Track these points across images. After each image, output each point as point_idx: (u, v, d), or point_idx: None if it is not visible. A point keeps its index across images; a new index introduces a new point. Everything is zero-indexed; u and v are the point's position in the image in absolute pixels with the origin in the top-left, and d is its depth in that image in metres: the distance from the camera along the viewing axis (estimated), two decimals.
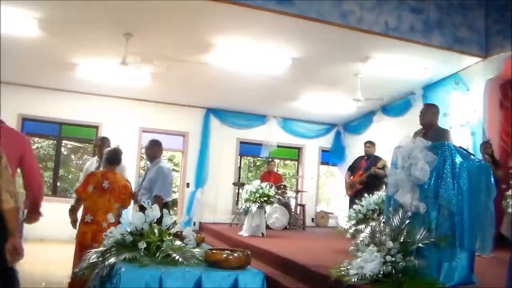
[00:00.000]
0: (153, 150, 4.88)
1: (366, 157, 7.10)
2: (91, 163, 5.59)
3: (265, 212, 7.04)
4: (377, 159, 6.92)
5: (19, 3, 5.22)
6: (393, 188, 3.41)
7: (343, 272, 3.13)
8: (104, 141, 5.53)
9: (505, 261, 4.34)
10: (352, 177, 7.05)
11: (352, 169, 7.23)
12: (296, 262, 4.16)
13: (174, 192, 13.46)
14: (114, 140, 5.99)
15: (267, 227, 7.44)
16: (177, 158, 12.92)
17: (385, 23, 5.97)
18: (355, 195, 6.76)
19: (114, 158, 4.48)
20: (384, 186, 6.52)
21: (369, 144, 7.17)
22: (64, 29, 5.99)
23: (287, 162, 13.33)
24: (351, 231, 4.95)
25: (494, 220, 3.23)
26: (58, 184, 9.27)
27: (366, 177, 6.77)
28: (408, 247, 2.98)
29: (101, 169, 4.84)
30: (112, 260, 2.85)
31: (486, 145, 5.91)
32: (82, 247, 4.22)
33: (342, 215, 9.45)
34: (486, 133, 6.40)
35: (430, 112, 4.51)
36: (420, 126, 4.51)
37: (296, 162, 11.33)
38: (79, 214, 4.49)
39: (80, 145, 11.83)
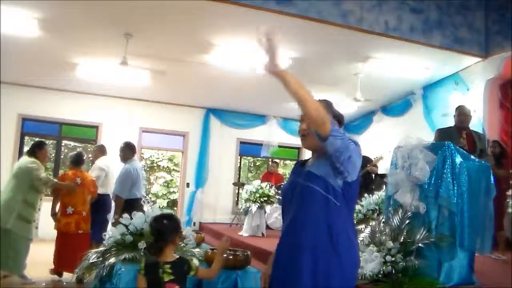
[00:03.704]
0: (125, 152, 5.26)
1: None
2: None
3: (265, 212, 7.05)
4: (366, 158, 7.00)
5: (19, 3, 5.22)
6: (393, 188, 3.40)
7: None
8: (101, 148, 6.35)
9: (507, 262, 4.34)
10: None
11: None
12: None
13: (174, 192, 13.52)
14: (114, 140, 5.99)
15: (267, 227, 7.44)
16: (177, 158, 12.92)
17: (385, 23, 5.97)
18: None
19: (77, 160, 5.46)
20: (375, 183, 6.59)
21: None
22: (64, 29, 5.99)
23: (287, 162, 13.33)
24: None
25: (493, 220, 3.22)
26: None
27: (362, 176, 6.88)
28: (408, 247, 2.98)
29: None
30: (112, 260, 2.85)
31: (494, 144, 5.89)
32: (67, 236, 5.19)
33: None
34: (486, 133, 6.39)
35: (469, 115, 4.78)
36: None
37: None
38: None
39: (80, 145, 11.83)
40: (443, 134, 4.61)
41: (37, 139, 8.81)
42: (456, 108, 4.90)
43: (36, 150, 5.22)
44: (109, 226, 5.15)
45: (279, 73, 1.66)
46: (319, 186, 1.83)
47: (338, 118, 2.16)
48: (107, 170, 6.12)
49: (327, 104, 2.07)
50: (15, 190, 5.04)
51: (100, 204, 5.84)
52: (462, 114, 4.75)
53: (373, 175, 6.92)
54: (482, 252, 3.25)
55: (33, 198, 5.10)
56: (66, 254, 5.06)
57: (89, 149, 10.20)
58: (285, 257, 1.84)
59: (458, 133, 4.60)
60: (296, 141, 10.57)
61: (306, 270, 1.75)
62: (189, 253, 3.08)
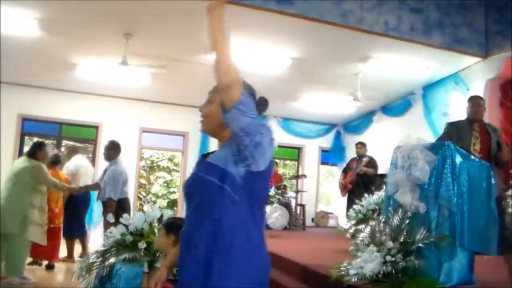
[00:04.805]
0: (110, 152, 5.33)
1: (357, 158, 7.25)
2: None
3: (265, 212, 7.05)
4: (364, 158, 7.03)
5: (19, 3, 5.22)
6: (393, 188, 3.40)
7: (343, 272, 3.12)
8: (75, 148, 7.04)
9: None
10: (344, 178, 7.23)
11: (345, 170, 7.41)
12: (296, 262, 4.16)
13: (174, 192, 13.52)
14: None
15: (267, 227, 7.44)
16: (177, 158, 12.91)
17: (385, 23, 5.96)
18: (349, 195, 6.93)
19: (55, 160, 5.91)
20: (374, 184, 6.62)
21: (360, 145, 7.33)
22: (64, 29, 5.99)
23: (287, 162, 13.33)
24: (351, 231, 4.95)
25: (497, 220, 3.21)
26: None
27: (355, 176, 6.93)
28: (408, 247, 2.98)
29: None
30: (112, 260, 2.86)
31: None
32: None
33: (342, 215, 9.48)
34: None
35: (483, 106, 4.38)
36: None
37: (296, 162, 11.32)
38: None
39: (80, 145, 11.82)
40: (451, 128, 4.33)
41: (36, 139, 8.81)
42: (469, 99, 4.55)
43: (37, 151, 5.15)
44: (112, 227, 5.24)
45: (214, 9, 1.52)
46: (214, 177, 1.57)
47: (258, 102, 1.79)
48: (75, 171, 6.45)
49: (245, 84, 1.68)
50: (18, 193, 4.90)
51: (69, 202, 6.20)
52: (475, 105, 4.36)
53: (374, 176, 6.93)
54: (488, 253, 3.24)
55: (40, 201, 5.08)
56: (40, 245, 5.20)
57: (89, 149, 10.20)
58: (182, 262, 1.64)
59: (469, 126, 4.28)
60: (296, 141, 10.61)
61: (192, 273, 1.54)
62: None
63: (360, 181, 6.91)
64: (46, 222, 5.17)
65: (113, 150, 5.33)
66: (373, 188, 6.37)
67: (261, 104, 1.79)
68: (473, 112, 4.37)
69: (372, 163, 7.03)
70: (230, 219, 1.53)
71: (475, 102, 4.42)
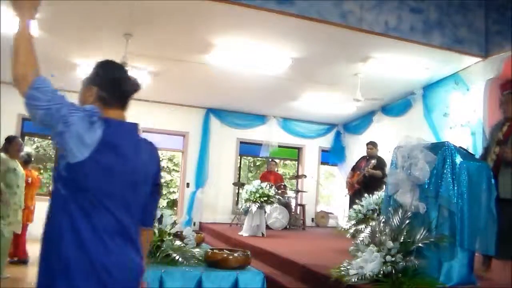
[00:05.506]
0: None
1: (367, 158, 7.21)
2: None
3: (265, 212, 7.05)
4: (372, 159, 6.99)
5: None
6: (393, 188, 3.41)
7: (343, 272, 3.13)
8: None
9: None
10: (352, 177, 7.18)
11: (354, 169, 7.36)
12: (296, 262, 4.16)
13: (174, 192, 13.51)
14: None
15: (267, 227, 7.44)
16: (177, 158, 12.92)
17: (385, 23, 5.96)
18: (354, 194, 6.89)
19: (27, 160, 6.20)
20: (381, 186, 6.58)
21: (371, 145, 7.25)
22: (64, 29, 5.99)
23: (287, 162, 13.34)
24: (351, 231, 4.95)
25: (497, 220, 3.21)
26: None
27: (362, 177, 6.91)
28: (408, 247, 2.99)
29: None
30: None
31: None
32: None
33: (342, 215, 9.48)
34: (486, 133, 6.39)
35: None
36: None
37: (296, 162, 11.32)
38: None
39: None
40: (491, 128, 4.17)
41: (36, 139, 8.81)
42: None
43: (7, 145, 5.22)
44: None
45: (27, 12, 1.52)
46: (56, 172, 1.50)
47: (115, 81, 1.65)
48: None
49: (103, 66, 1.68)
50: None
51: None
52: (503, 103, 4.11)
53: (381, 178, 6.86)
54: (486, 252, 3.25)
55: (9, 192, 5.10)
56: (18, 242, 5.69)
57: None
58: None
59: (500, 127, 4.08)
60: (296, 141, 10.61)
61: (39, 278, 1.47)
62: (189, 253, 3.08)
63: (366, 182, 6.84)
64: (8, 215, 5.15)
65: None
66: (378, 190, 6.34)
67: (121, 85, 1.69)
68: (502, 110, 4.13)
69: (380, 165, 6.92)
70: (59, 217, 1.43)
71: (504, 99, 4.13)
